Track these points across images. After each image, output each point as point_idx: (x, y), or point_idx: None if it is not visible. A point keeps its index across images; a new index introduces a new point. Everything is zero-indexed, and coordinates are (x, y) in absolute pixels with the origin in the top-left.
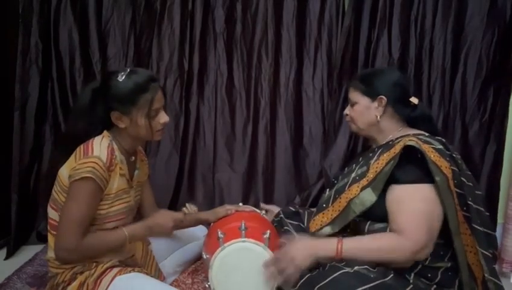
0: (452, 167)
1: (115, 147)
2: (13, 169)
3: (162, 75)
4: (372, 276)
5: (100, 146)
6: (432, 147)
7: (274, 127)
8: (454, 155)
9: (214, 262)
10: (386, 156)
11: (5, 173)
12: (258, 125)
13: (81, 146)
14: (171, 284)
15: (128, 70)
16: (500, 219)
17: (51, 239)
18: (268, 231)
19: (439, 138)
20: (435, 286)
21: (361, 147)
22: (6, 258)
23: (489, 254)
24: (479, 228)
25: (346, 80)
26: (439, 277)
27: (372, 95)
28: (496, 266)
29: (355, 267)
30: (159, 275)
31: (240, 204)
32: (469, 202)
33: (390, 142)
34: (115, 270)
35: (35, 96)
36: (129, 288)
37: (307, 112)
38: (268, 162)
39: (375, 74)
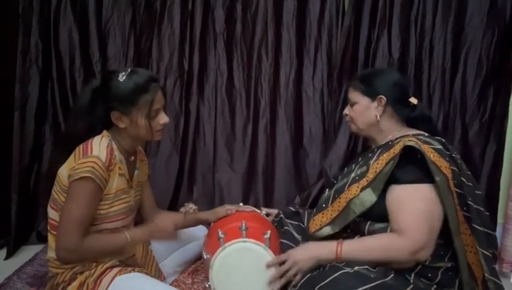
0: (452, 167)
1: (114, 146)
2: (13, 169)
3: (162, 75)
4: (372, 276)
5: (99, 146)
6: (432, 147)
7: (274, 127)
8: (453, 155)
9: (214, 262)
10: (386, 157)
11: (5, 173)
12: (258, 125)
13: (81, 146)
14: (171, 284)
15: (129, 70)
16: (500, 219)
17: (51, 239)
18: (269, 231)
19: (439, 138)
20: (435, 286)
21: (361, 147)
22: (6, 258)
23: (490, 254)
24: (479, 227)
25: (346, 80)
26: (439, 277)
27: (372, 94)
28: (496, 266)
29: (356, 268)
30: (159, 275)
31: (241, 204)
32: (469, 202)
33: (390, 143)
34: (115, 270)
35: (35, 96)
36: (129, 288)
37: (307, 112)
38: (268, 162)
39: (375, 73)
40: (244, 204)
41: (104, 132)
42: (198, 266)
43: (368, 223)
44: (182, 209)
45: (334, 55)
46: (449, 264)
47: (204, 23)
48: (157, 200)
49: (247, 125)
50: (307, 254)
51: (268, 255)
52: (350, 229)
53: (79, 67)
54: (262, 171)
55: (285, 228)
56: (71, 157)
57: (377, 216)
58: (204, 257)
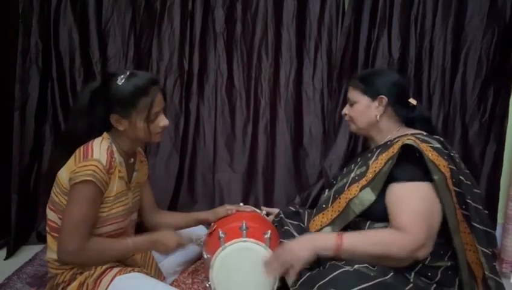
0: (450, 166)
1: (114, 149)
2: (13, 169)
3: (162, 75)
4: (372, 274)
5: (100, 149)
6: (430, 146)
7: (274, 127)
8: (452, 154)
9: (214, 262)
10: (385, 156)
11: (5, 173)
12: (258, 125)
13: (81, 148)
14: (171, 284)
15: (128, 73)
16: (500, 219)
17: (50, 240)
18: (269, 231)
19: (437, 137)
20: (435, 285)
21: (361, 147)
22: (6, 258)
23: (489, 252)
24: (478, 226)
25: (346, 80)
26: (439, 276)
27: (373, 94)
28: (496, 265)
29: (355, 266)
30: (159, 275)
31: (241, 204)
32: (468, 201)
33: (389, 142)
34: (115, 270)
35: (35, 96)
36: (129, 288)
37: (307, 112)
38: (268, 162)
39: (375, 73)
40: (244, 204)
41: (105, 134)
42: (198, 266)
43: (368, 223)
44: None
45: (334, 55)
46: (449, 263)
47: (204, 23)
48: (157, 200)
49: (247, 125)
50: (305, 243)
51: (268, 255)
52: (350, 229)
53: (79, 67)
54: (262, 171)
55: (285, 227)
56: (71, 160)
57: (377, 216)
58: (205, 256)
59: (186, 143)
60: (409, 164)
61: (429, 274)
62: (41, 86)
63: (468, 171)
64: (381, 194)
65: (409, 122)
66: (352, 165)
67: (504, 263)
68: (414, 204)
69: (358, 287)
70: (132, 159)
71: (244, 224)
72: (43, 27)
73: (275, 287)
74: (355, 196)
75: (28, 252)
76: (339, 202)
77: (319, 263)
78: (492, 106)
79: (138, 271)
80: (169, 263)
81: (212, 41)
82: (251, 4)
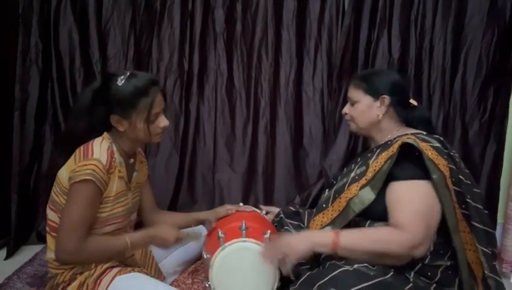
0: (450, 165)
1: (115, 149)
2: (13, 169)
3: (162, 75)
4: (372, 274)
5: (100, 148)
6: (430, 145)
7: (274, 127)
8: (452, 153)
9: (214, 262)
10: (385, 155)
11: (5, 173)
12: (258, 125)
13: (81, 148)
14: (171, 284)
15: (128, 73)
16: (500, 219)
17: (49, 240)
18: (269, 231)
19: (437, 136)
20: (434, 285)
21: (361, 147)
22: (6, 258)
23: (489, 251)
24: (478, 225)
25: (346, 80)
26: (439, 275)
27: (375, 94)
28: (496, 265)
29: (355, 265)
30: (159, 275)
31: (241, 204)
32: (468, 200)
33: (389, 142)
34: (115, 270)
35: (35, 96)
36: (129, 288)
37: (307, 112)
38: (268, 162)
39: (377, 73)
40: (244, 204)
41: (105, 134)
42: (198, 266)
43: (368, 222)
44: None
45: (334, 55)
46: (449, 263)
47: (204, 23)
48: (157, 200)
49: (247, 125)
50: (301, 239)
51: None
52: (350, 228)
53: (79, 67)
54: (262, 171)
55: (285, 227)
56: (71, 159)
57: (377, 215)
58: (205, 256)
59: (186, 143)
60: (409, 163)
61: (429, 274)
62: (41, 86)
63: (468, 171)
64: (381, 193)
65: (409, 123)
66: (353, 165)
67: (504, 263)
68: (413, 202)
69: (358, 287)
70: (132, 160)
71: (243, 224)
72: (43, 27)
73: (275, 287)
74: (355, 195)
75: (28, 252)
76: (339, 202)
77: (318, 263)
78: (492, 106)
79: (138, 271)
80: (169, 263)
81: (212, 41)
82: (251, 4)
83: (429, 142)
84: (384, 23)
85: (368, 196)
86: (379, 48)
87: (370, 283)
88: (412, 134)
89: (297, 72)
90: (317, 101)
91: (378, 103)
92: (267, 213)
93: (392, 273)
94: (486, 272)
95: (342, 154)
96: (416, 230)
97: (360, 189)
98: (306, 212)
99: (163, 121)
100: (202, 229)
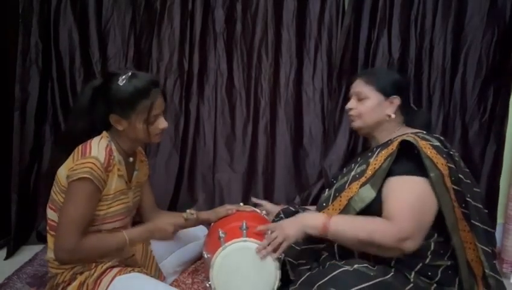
0: (449, 164)
1: (113, 147)
2: (13, 169)
3: (162, 75)
4: (372, 274)
5: (98, 146)
6: (429, 144)
7: (274, 127)
8: (451, 153)
9: (215, 261)
10: (385, 153)
11: (5, 173)
12: (258, 125)
13: (80, 146)
14: (171, 284)
15: (130, 73)
16: (500, 219)
17: (50, 240)
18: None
19: (437, 135)
20: (435, 285)
21: (361, 147)
22: (6, 258)
23: (489, 250)
24: (478, 224)
25: (346, 80)
26: (439, 275)
27: (386, 93)
28: (496, 264)
29: (355, 266)
30: (159, 275)
31: (241, 204)
32: (468, 199)
33: (389, 141)
34: (115, 270)
35: (35, 96)
36: (129, 288)
37: (307, 112)
38: (268, 162)
39: (387, 72)
40: (244, 204)
41: (104, 133)
42: (198, 266)
43: None
44: (184, 216)
45: (334, 55)
46: (449, 263)
47: (204, 23)
48: (157, 200)
49: (247, 125)
50: (293, 221)
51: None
52: None
53: (79, 67)
54: (262, 171)
55: None
56: (70, 158)
57: (377, 214)
58: (205, 256)
59: (186, 143)
60: (407, 160)
61: (429, 274)
62: (41, 86)
63: (467, 170)
64: (381, 192)
65: (409, 123)
66: (353, 164)
67: (504, 263)
68: (405, 196)
69: (358, 287)
70: (132, 159)
71: (244, 224)
72: (43, 27)
73: (275, 287)
74: (355, 194)
75: (28, 252)
76: (340, 201)
77: (318, 263)
78: (492, 106)
79: (138, 271)
80: (169, 263)
81: (212, 41)
82: (251, 4)
83: (429, 140)
84: (384, 23)
85: (368, 194)
86: (379, 48)
87: (370, 283)
88: (412, 133)
89: (297, 72)
90: (317, 101)
91: (387, 103)
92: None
93: (392, 273)
94: (486, 270)
95: (341, 154)
96: (405, 223)
97: (360, 187)
98: (306, 212)
99: (162, 123)
100: (202, 229)
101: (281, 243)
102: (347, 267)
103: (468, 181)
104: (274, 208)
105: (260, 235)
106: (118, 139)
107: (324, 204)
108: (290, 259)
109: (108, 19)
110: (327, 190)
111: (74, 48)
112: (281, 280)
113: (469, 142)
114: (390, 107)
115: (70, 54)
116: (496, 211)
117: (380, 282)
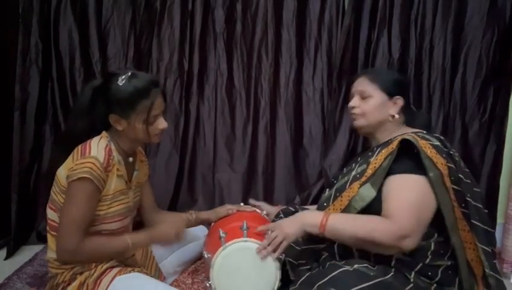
0: (449, 164)
1: (113, 147)
2: (13, 169)
3: (162, 75)
4: (372, 274)
5: (98, 146)
6: (429, 143)
7: (274, 127)
8: (451, 152)
9: (215, 261)
10: (385, 152)
11: (5, 173)
12: (258, 125)
13: (79, 146)
14: (171, 284)
15: (130, 73)
16: (500, 219)
17: (50, 240)
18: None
19: (437, 135)
20: (435, 285)
21: (361, 147)
22: (6, 258)
23: (489, 250)
24: (478, 224)
25: (346, 80)
26: (439, 275)
27: (390, 93)
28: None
29: (355, 266)
30: (159, 275)
31: (241, 204)
32: (467, 199)
33: (389, 141)
34: (115, 270)
35: (35, 96)
36: (129, 288)
37: (307, 112)
38: (268, 162)
39: (390, 72)
40: (245, 204)
41: (103, 133)
42: (198, 266)
43: None
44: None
45: (334, 55)
46: (449, 263)
47: (204, 23)
48: (157, 200)
49: (247, 125)
50: (292, 220)
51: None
52: None
53: (79, 67)
54: (262, 171)
55: None
56: (69, 158)
57: (377, 213)
58: (205, 256)
59: (186, 143)
60: (407, 159)
61: (429, 274)
62: (41, 86)
63: (467, 170)
64: (381, 191)
65: (409, 123)
66: (354, 164)
67: (504, 263)
68: (404, 194)
69: (358, 287)
70: (132, 159)
71: (245, 224)
72: (43, 27)
73: (275, 287)
74: (356, 194)
75: (28, 252)
76: (341, 200)
77: (318, 263)
78: (492, 106)
79: (138, 271)
80: (169, 263)
81: (212, 41)
82: (251, 4)
83: (429, 140)
84: (384, 23)
85: (369, 193)
86: (379, 48)
87: (370, 283)
88: (412, 132)
89: (297, 72)
90: (317, 101)
91: (391, 103)
92: (268, 215)
93: (392, 273)
94: (486, 270)
95: (341, 154)
96: (404, 221)
97: (360, 186)
98: None
99: (162, 124)
100: (202, 229)
101: (281, 243)
102: (347, 268)
103: (468, 181)
104: (272, 209)
105: (261, 236)
106: (118, 139)
107: (325, 204)
108: (290, 259)
109: (108, 19)
110: (328, 190)
111: (74, 48)
112: (281, 280)
113: (469, 142)
114: (394, 107)
115: (70, 54)
116: (496, 211)
117: (380, 282)
